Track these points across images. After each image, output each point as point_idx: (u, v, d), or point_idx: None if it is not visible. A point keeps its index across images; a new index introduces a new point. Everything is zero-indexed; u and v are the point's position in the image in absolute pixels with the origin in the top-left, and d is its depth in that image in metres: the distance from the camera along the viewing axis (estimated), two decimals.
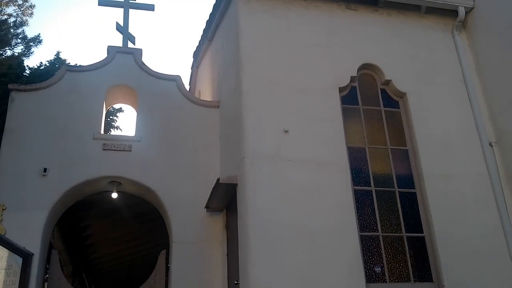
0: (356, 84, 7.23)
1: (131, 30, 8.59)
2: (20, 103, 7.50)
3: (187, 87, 10.40)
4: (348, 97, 7.11)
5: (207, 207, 7.17)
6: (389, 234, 6.37)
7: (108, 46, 8.27)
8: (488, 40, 7.57)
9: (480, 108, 7.36)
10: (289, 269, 5.66)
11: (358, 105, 7.14)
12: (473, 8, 7.83)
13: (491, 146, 7.10)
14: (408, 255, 6.30)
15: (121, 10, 8.71)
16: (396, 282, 6.12)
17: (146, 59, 13.67)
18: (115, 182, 7.55)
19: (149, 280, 7.68)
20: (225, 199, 6.87)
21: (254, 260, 5.61)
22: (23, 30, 9.00)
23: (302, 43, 7.12)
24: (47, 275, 7.80)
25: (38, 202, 6.89)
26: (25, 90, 7.61)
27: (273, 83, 6.70)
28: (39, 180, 7.02)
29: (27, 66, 13.11)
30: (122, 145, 7.55)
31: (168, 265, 7.41)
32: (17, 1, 8.77)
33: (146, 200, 8.05)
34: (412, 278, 6.19)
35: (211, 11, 8.43)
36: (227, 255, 6.93)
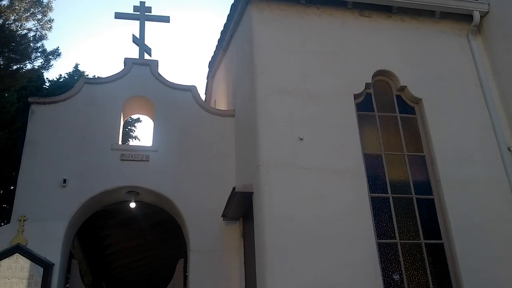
0: (371, 90, 7.22)
1: (147, 42, 8.76)
2: (40, 115, 7.66)
3: (203, 96, 10.49)
4: (363, 104, 7.10)
5: (223, 215, 7.20)
6: (407, 241, 6.32)
7: (125, 58, 8.41)
8: (504, 44, 7.50)
9: (498, 113, 7.28)
10: (306, 278, 5.64)
11: (374, 111, 7.12)
12: (488, 12, 7.77)
13: (510, 151, 7.00)
14: (427, 262, 6.23)
15: (137, 23, 8.87)
16: None
17: (162, 70, 13.86)
18: (133, 192, 7.64)
19: None
20: (241, 208, 6.89)
21: (271, 269, 5.61)
22: (42, 44, 9.22)
23: (316, 50, 7.14)
24: (68, 285, 7.91)
25: (58, 212, 7.01)
26: (44, 103, 7.77)
27: (288, 91, 6.72)
28: (59, 191, 7.15)
29: (47, 78, 13.39)
30: (139, 155, 7.64)
31: (186, 274, 7.45)
32: (36, 16, 8.99)
33: (163, 209, 8.12)
34: (431, 286, 6.11)
35: (225, 21, 8.52)
36: (244, 263, 6.94)
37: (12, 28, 8.79)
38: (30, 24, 9.07)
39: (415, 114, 7.24)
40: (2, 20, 8.56)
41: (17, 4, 8.82)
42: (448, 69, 7.50)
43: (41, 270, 6.63)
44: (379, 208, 6.43)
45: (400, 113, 7.22)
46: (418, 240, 6.36)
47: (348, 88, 6.95)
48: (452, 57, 7.63)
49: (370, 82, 7.15)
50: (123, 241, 11.61)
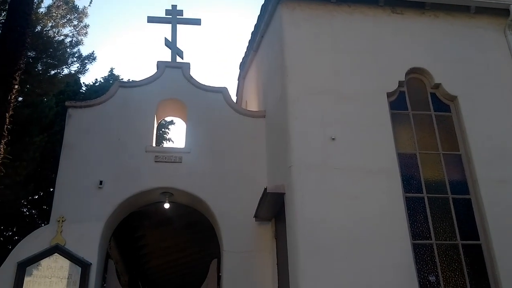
0: (404, 89, 7.10)
1: (179, 44, 8.86)
2: (77, 119, 7.87)
3: (234, 98, 10.55)
4: (397, 102, 6.99)
5: (255, 216, 7.22)
6: (443, 242, 6.18)
7: (158, 61, 8.55)
8: None
9: None
10: (339, 279, 5.60)
11: (407, 110, 7.00)
12: None
13: None
14: (464, 263, 6.08)
15: (169, 26, 8.99)
16: None
17: (194, 72, 14.01)
18: (167, 193, 7.75)
19: None
20: (273, 208, 6.89)
21: (304, 270, 5.58)
22: (78, 49, 9.45)
23: (347, 49, 7.08)
24: (105, 284, 8.09)
25: (95, 213, 7.19)
26: (81, 107, 7.98)
27: (319, 91, 6.68)
28: (96, 193, 7.33)
29: (83, 83, 13.77)
30: (173, 157, 7.75)
31: (220, 274, 7.50)
32: (72, 22, 9.23)
33: (197, 210, 8.20)
34: None
35: (256, 22, 8.54)
36: (277, 264, 6.93)
37: (49, 34, 9.05)
38: (66, 30, 9.32)
39: (450, 112, 7.08)
40: (40, 27, 8.83)
41: (54, 11, 9.07)
42: (484, 66, 7.29)
43: (79, 269, 6.82)
44: (414, 209, 6.31)
45: (434, 111, 7.07)
46: (455, 241, 6.21)
47: (381, 87, 6.86)
48: (488, 53, 7.42)
49: (404, 80, 7.03)
50: (157, 241, 11.78)
